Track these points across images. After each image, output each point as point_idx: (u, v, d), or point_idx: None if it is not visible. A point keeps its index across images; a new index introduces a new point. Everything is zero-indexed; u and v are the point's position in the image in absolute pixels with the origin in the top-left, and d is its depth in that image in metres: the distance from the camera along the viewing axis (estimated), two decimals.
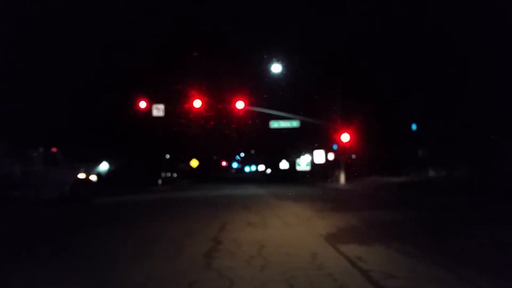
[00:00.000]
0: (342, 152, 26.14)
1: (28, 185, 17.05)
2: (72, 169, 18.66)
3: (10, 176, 17.12)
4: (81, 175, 18.83)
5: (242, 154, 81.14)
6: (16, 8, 18.96)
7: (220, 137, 35.38)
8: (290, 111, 24.22)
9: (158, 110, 20.58)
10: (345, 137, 22.28)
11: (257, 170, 77.75)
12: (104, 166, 32.35)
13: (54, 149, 18.49)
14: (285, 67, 22.26)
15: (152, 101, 20.60)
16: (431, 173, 20.56)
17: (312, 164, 39.23)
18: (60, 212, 14.74)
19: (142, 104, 20.26)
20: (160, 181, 36.73)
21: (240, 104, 21.09)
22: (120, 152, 27.00)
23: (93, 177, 19.49)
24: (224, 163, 75.62)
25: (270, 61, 22.09)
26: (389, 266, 5.53)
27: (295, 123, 23.83)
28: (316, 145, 34.92)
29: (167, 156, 42.24)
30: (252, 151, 72.38)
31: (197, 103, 20.52)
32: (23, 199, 16.69)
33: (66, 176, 18.37)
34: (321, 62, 24.76)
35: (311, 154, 38.17)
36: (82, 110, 25.71)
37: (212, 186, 32.25)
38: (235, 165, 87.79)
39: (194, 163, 43.20)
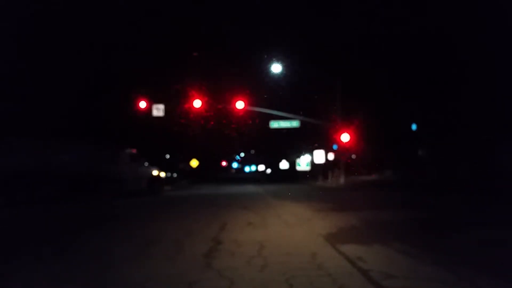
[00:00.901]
0: (342, 152, 26.15)
1: (120, 180, 20.83)
2: (147, 167, 22.95)
3: (106, 172, 20.49)
4: (155, 172, 23.37)
5: (242, 154, 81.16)
6: (16, 8, 18.96)
7: (220, 137, 35.37)
8: (290, 111, 24.21)
9: (158, 110, 20.57)
10: (345, 137, 22.27)
11: (257, 170, 77.72)
12: None
13: (134, 150, 22.48)
14: (285, 67, 22.26)
15: (152, 101, 20.59)
16: (418, 172, 20.59)
17: (312, 164, 39.23)
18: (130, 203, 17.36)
19: (142, 104, 20.26)
20: None
21: (240, 104, 21.08)
22: None
23: (162, 174, 24.29)
24: (224, 163, 75.59)
25: (270, 61, 22.09)
26: (389, 266, 5.53)
27: (295, 123, 23.82)
28: (316, 145, 34.92)
29: (167, 156, 42.26)
30: (252, 151, 72.38)
31: (197, 103, 20.50)
32: (116, 191, 20.19)
33: (145, 173, 22.70)
34: (321, 62, 24.77)
35: (311, 154, 38.18)
36: (82, 110, 25.71)
37: (212, 186, 32.24)
38: (235, 165, 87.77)
39: (194, 163, 43.17)
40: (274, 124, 23.46)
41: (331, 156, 31.28)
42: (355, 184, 24.56)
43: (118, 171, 21.15)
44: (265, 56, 23.01)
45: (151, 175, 23.35)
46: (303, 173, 41.73)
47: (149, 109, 20.44)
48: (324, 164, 33.77)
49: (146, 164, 23.07)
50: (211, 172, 60.54)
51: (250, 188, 29.41)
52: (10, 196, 16.45)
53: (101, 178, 20.23)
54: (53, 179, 18.35)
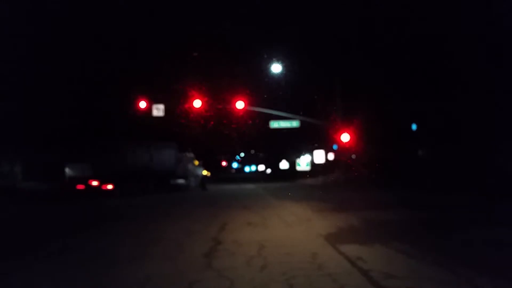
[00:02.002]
0: (342, 152, 26.13)
1: (185, 177, 27.61)
2: (199, 167, 31.52)
3: (180, 171, 26.85)
4: (204, 172, 32.69)
5: (242, 154, 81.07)
6: (16, 8, 18.95)
7: (220, 137, 35.35)
8: (290, 111, 24.17)
9: (158, 110, 20.50)
10: (345, 137, 22.23)
11: (257, 170, 77.62)
12: None
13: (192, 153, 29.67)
14: (285, 67, 22.20)
15: (152, 101, 20.53)
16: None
17: (312, 164, 39.22)
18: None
19: (142, 104, 20.19)
20: None
21: (240, 104, 21.00)
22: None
23: (208, 173, 34.21)
24: (224, 163, 75.54)
25: (270, 61, 22.03)
26: (389, 266, 5.54)
27: (295, 123, 23.73)
28: (316, 145, 34.91)
29: None
30: (252, 151, 72.30)
31: (197, 103, 20.43)
32: (183, 187, 26.83)
33: (199, 172, 31.30)
34: (321, 62, 24.75)
35: (311, 154, 38.17)
36: (82, 110, 25.71)
37: (212, 186, 32.26)
38: (235, 165, 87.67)
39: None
40: (274, 124, 23.38)
41: (331, 156, 31.26)
42: (355, 184, 24.58)
43: (185, 171, 27.64)
44: (265, 56, 22.98)
45: (202, 174, 31.75)
46: (303, 173, 41.73)
47: (149, 109, 20.39)
48: (324, 164, 33.77)
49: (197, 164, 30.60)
50: (211, 172, 60.52)
51: (250, 188, 29.44)
52: (123, 188, 22.25)
53: (177, 176, 26.42)
54: (149, 176, 23.49)
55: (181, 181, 27.10)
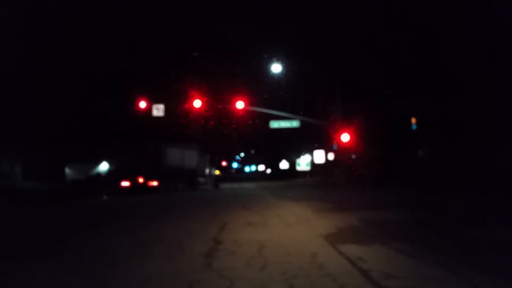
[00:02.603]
0: (342, 152, 26.12)
1: (205, 177, 31.53)
2: (212, 167, 36.21)
3: (201, 171, 30.91)
4: (217, 172, 39.42)
5: (242, 154, 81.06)
6: (17, 8, 18.95)
7: (220, 137, 35.36)
8: (290, 111, 24.16)
9: (158, 110, 20.50)
10: (345, 137, 22.22)
11: (257, 170, 77.59)
12: (104, 166, 32.39)
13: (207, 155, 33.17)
14: (285, 67, 22.19)
15: (152, 101, 20.52)
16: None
17: (312, 164, 39.21)
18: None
19: (142, 104, 20.18)
20: None
21: (240, 104, 20.99)
22: (120, 152, 27.08)
23: (220, 173, 39.99)
24: (224, 163, 75.51)
25: (270, 61, 22.02)
26: (389, 266, 5.54)
27: (295, 123, 23.72)
28: (316, 145, 34.90)
29: None
30: (252, 151, 72.25)
31: (197, 103, 20.42)
32: (203, 185, 30.14)
33: (213, 172, 36.29)
34: (321, 62, 24.74)
35: (311, 154, 38.16)
36: (82, 110, 25.72)
37: (212, 186, 32.24)
38: (235, 165, 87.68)
39: None
40: (274, 124, 23.37)
41: (331, 156, 31.23)
42: (355, 184, 24.58)
43: (205, 171, 31.81)
44: (265, 56, 22.96)
45: (215, 174, 37.11)
46: (303, 173, 41.72)
47: (149, 109, 20.38)
48: (324, 164, 33.75)
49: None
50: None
51: (250, 188, 29.45)
52: (164, 185, 24.66)
53: (199, 175, 29.83)
54: (180, 174, 26.15)
55: (201, 179, 30.66)
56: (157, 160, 24.87)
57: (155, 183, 24.39)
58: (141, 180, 24.21)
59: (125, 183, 24.03)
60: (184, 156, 27.62)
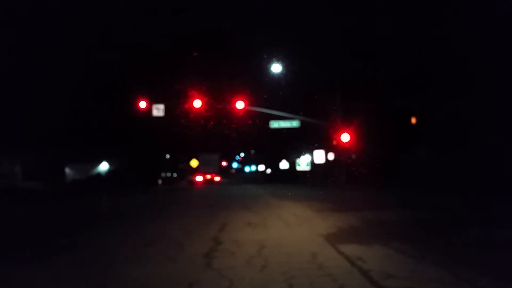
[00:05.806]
0: (342, 152, 26.09)
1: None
2: None
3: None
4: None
5: (242, 154, 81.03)
6: (17, 8, 18.94)
7: (220, 137, 35.38)
8: (290, 111, 24.15)
9: (158, 110, 20.49)
10: (345, 137, 22.21)
11: (257, 170, 77.54)
12: (104, 166, 32.41)
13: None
14: (285, 67, 22.18)
15: (152, 101, 20.51)
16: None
17: (312, 164, 39.18)
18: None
19: (142, 104, 20.17)
20: (160, 181, 36.91)
21: (240, 104, 20.98)
22: (120, 152, 27.10)
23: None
24: (224, 163, 75.47)
25: (270, 61, 22.01)
26: (389, 266, 5.53)
27: (295, 123, 23.71)
28: (316, 145, 34.86)
29: (167, 156, 42.32)
30: (252, 151, 72.24)
31: (197, 103, 20.41)
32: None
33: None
34: (321, 62, 24.72)
35: (311, 154, 38.12)
36: (82, 110, 25.71)
37: (212, 186, 32.25)
38: (235, 165, 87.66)
39: (194, 163, 43.21)
40: (274, 124, 23.37)
41: (331, 156, 31.17)
42: (355, 184, 24.59)
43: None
44: (265, 56, 22.95)
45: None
46: (303, 173, 41.69)
47: (149, 109, 20.38)
48: (324, 164, 33.72)
49: None
50: None
51: (250, 188, 29.44)
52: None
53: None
54: None
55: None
56: (214, 162, 42.65)
57: (217, 178, 41.58)
58: (208, 176, 40.31)
59: (200, 178, 41.40)
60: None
